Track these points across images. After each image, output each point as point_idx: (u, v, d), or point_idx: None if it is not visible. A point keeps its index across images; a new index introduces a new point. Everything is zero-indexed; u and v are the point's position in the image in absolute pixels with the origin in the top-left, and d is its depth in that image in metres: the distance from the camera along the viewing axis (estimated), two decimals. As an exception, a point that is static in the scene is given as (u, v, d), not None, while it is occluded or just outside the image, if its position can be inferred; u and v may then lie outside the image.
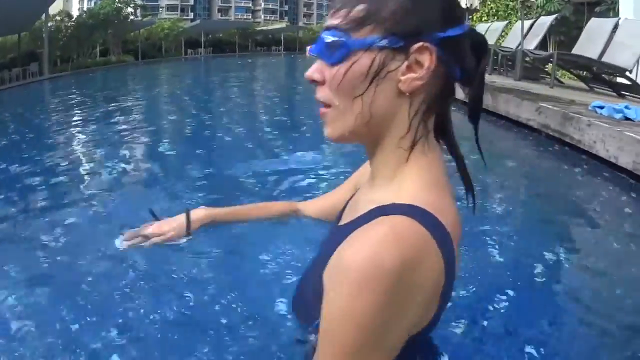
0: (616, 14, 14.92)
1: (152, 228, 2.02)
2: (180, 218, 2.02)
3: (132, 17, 72.09)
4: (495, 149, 7.40)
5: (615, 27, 11.32)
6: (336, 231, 1.33)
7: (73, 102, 18.21)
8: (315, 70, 1.22)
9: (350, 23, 1.14)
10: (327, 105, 1.21)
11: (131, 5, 72.26)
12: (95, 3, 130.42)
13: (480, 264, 3.20)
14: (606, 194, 5.40)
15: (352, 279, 0.96)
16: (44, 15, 44.95)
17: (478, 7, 22.55)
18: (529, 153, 7.48)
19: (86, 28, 58.18)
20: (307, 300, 1.29)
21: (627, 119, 6.56)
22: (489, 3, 27.30)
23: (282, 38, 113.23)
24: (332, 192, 2.08)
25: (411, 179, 1.18)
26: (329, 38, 1.17)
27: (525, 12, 22.46)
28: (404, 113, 1.18)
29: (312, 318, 1.15)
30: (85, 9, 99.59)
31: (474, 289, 2.80)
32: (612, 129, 5.61)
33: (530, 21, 16.10)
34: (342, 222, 1.36)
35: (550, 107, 7.07)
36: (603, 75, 12.16)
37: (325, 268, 1.08)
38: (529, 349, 2.40)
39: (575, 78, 14.12)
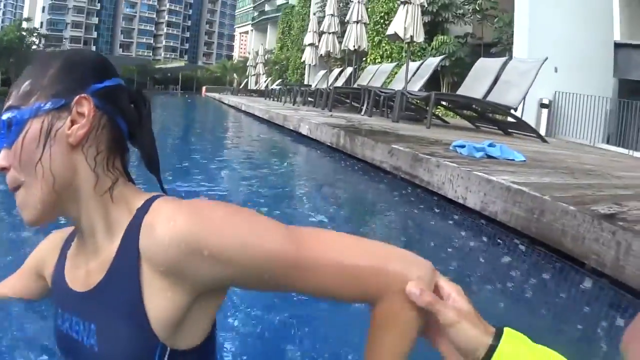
0: (512, 55, 15.77)
1: None
2: None
3: (35, 46, 73.70)
4: (349, 192, 7.54)
5: (504, 66, 11.91)
6: (89, 295, 1.25)
7: None
8: (2, 157, 1.20)
9: (20, 99, 1.19)
10: (17, 189, 1.20)
11: (34, 34, 72.78)
12: (1, 28, 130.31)
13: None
14: (455, 237, 5.19)
15: (188, 240, 1.10)
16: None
17: (366, 49, 22.53)
18: (382, 196, 7.39)
19: (-13, 54, 58.25)
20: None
21: (489, 157, 6.39)
22: (384, 45, 27.53)
23: (179, 77, 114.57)
24: (19, 273, 1.76)
25: (131, 200, 1.25)
26: (4, 118, 1.18)
27: (417, 54, 22.76)
28: (84, 165, 1.21)
29: None
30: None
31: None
32: (460, 168, 5.44)
33: (418, 63, 16.56)
34: (83, 288, 1.27)
35: (401, 149, 6.82)
36: (488, 113, 12.27)
37: (144, 258, 1.15)
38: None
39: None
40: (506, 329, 1.09)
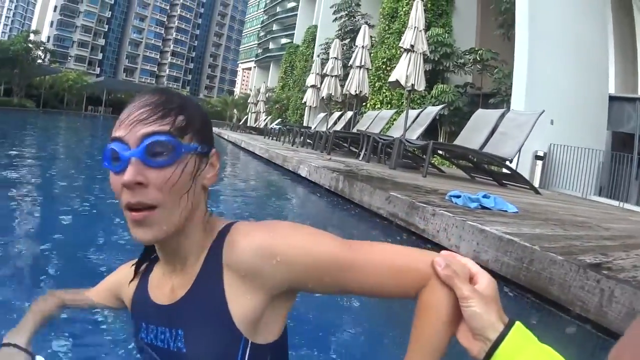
0: (510, 106, 15.94)
1: None
2: (7, 351, 1.76)
3: (40, 60, 72.60)
4: (347, 236, 7.40)
5: (501, 117, 11.90)
6: (175, 307, 1.45)
7: None
8: (137, 173, 1.27)
9: (178, 130, 1.32)
10: (152, 207, 1.30)
11: (41, 48, 72.27)
12: (8, 36, 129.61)
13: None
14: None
15: (266, 245, 1.33)
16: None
17: (367, 95, 22.57)
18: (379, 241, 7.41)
19: (-7, 61, 57.76)
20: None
21: (484, 207, 6.51)
22: (384, 91, 27.54)
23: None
24: (97, 289, 2.03)
25: (216, 227, 1.48)
26: (164, 142, 1.29)
27: (417, 102, 22.75)
28: (203, 202, 1.47)
29: None
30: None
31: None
32: (454, 218, 5.58)
33: (418, 111, 16.48)
34: (169, 302, 1.48)
35: (399, 196, 6.92)
36: (484, 164, 12.33)
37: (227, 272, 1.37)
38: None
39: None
40: (517, 322, 1.17)
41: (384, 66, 28.46)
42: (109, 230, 6.23)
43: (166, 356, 1.47)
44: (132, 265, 1.76)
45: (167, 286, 1.53)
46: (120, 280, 1.84)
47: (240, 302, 1.36)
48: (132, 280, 1.72)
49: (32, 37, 71.76)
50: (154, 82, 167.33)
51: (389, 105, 26.68)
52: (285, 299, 1.44)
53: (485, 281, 1.25)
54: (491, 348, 1.14)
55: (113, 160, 1.32)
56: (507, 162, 10.92)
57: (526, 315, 4.08)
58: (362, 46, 21.91)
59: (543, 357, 1.12)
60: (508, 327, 1.16)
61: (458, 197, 6.90)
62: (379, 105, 27.51)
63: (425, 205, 6.22)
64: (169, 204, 1.31)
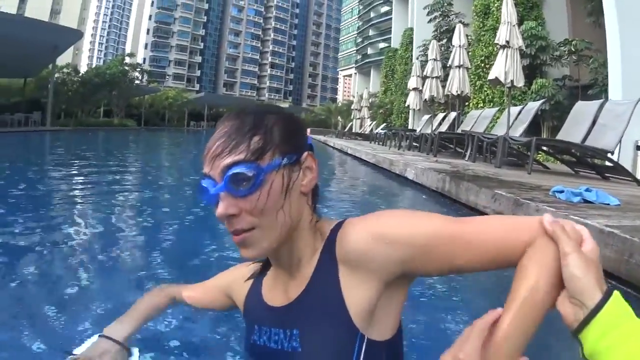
0: (608, 96, 15.04)
1: None
2: (103, 344, 1.97)
3: (137, 81, 73.04)
4: None
5: (600, 109, 11.40)
6: (290, 307, 1.56)
7: (70, 159, 17.69)
8: (228, 206, 1.38)
9: (255, 153, 1.39)
10: (249, 230, 1.41)
11: (138, 70, 73.15)
12: (103, 61, 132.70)
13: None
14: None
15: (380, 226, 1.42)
16: (51, 65, 45.44)
17: (469, 94, 22.40)
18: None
19: (91, 86, 58.96)
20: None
21: (586, 201, 6.35)
22: (485, 89, 27.30)
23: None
24: (205, 285, 2.23)
25: (326, 228, 1.56)
26: (241, 172, 1.37)
27: (517, 98, 22.51)
28: (307, 207, 1.55)
29: None
30: (93, 65, 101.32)
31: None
32: (557, 213, 5.38)
33: (519, 107, 16.14)
34: (283, 303, 1.59)
35: (504, 194, 6.94)
36: (587, 158, 12.06)
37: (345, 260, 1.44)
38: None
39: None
40: (616, 292, 1.13)
41: (482, 64, 28.28)
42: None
43: (280, 357, 1.53)
44: (249, 265, 1.89)
45: (281, 288, 1.62)
46: (235, 278, 1.98)
47: (356, 294, 1.41)
48: (247, 280, 1.85)
49: (127, 59, 73.52)
50: (254, 94, 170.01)
51: (491, 104, 26.37)
52: (398, 289, 1.48)
53: (590, 245, 1.22)
54: (588, 316, 1.11)
55: (205, 194, 1.43)
56: (609, 155, 10.56)
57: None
58: (459, 45, 21.84)
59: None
60: (607, 295, 1.12)
61: (561, 192, 6.81)
62: (481, 104, 27.23)
63: (529, 201, 6.21)
64: (265, 224, 1.41)
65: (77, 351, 1.93)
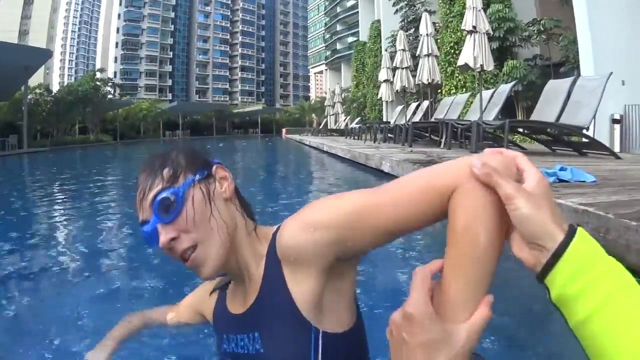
0: (580, 73, 15.25)
1: None
2: None
3: (110, 95, 72.77)
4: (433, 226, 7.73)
5: (572, 85, 11.47)
6: (249, 312, 1.60)
7: (51, 181, 17.74)
8: (166, 233, 1.48)
9: (170, 180, 1.52)
10: (193, 248, 1.50)
11: (109, 84, 73.23)
12: (74, 78, 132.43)
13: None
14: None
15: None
16: (23, 87, 45.31)
17: (440, 81, 22.46)
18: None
19: (65, 104, 58.94)
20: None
21: (562, 180, 6.36)
22: (457, 75, 27.35)
23: (258, 120, 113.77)
24: (180, 305, 2.31)
25: (269, 232, 1.63)
26: (164, 196, 1.49)
27: (490, 81, 22.61)
28: (238, 213, 1.65)
29: None
30: (65, 83, 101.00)
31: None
32: None
33: (491, 91, 16.25)
34: (243, 310, 1.63)
35: None
36: (563, 136, 12.16)
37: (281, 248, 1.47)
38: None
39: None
40: (580, 228, 1.02)
41: (452, 50, 28.27)
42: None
43: None
44: (213, 282, 1.95)
45: (240, 297, 1.69)
46: (202, 295, 2.10)
47: (300, 288, 1.45)
48: (211, 293, 1.94)
49: (98, 75, 73.37)
50: (227, 99, 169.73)
51: (464, 89, 26.49)
52: (342, 277, 1.50)
53: (534, 178, 1.09)
54: (550, 259, 1.00)
55: (148, 238, 1.52)
56: (584, 130, 10.63)
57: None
58: (427, 34, 21.93)
59: (613, 273, 0.97)
60: (570, 234, 1.00)
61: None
62: (454, 90, 27.19)
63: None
64: (203, 237, 1.51)
65: None
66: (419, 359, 1.06)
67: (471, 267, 1.11)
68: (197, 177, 1.56)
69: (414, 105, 25.58)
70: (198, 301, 2.14)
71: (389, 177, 11.07)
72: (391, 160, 11.61)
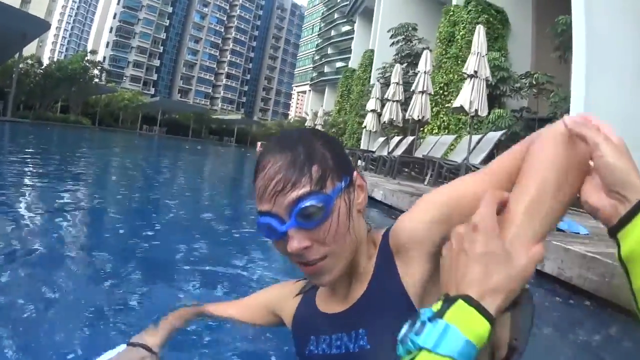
0: None
1: None
2: (133, 352, 1.83)
3: (97, 79, 73.15)
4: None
5: None
6: (353, 310, 1.58)
7: (28, 153, 17.34)
8: (301, 240, 1.39)
9: (318, 183, 1.39)
10: (321, 259, 1.43)
11: (98, 67, 72.79)
12: (65, 56, 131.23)
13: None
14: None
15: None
16: (17, 54, 44.99)
17: (429, 120, 22.48)
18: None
19: (53, 79, 58.54)
20: None
21: (558, 230, 6.20)
22: (442, 116, 27.42)
23: (235, 129, 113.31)
24: (244, 302, 2.24)
25: (379, 235, 1.62)
26: (311, 204, 1.37)
27: (475, 127, 22.69)
28: (364, 222, 1.61)
29: None
30: (55, 59, 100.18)
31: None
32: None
33: (479, 136, 16.70)
34: (344, 308, 1.61)
35: None
36: None
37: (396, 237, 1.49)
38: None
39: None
40: None
41: (441, 91, 28.16)
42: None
43: None
44: (295, 282, 1.97)
45: (339, 297, 1.63)
46: (281, 295, 2.00)
47: (412, 278, 1.43)
48: (296, 295, 1.89)
49: (89, 56, 73.64)
50: (208, 103, 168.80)
51: (447, 130, 26.26)
52: (437, 268, 1.38)
53: (616, 136, 1.11)
54: (631, 210, 1.00)
55: (270, 232, 1.43)
56: None
57: (607, 326, 4.06)
58: (424, 71, 21.89)
59: None
60: None
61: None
62: (436, 130, 27.21)
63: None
64: (336, 250, 1.43)
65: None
66: (476, 270, 1.08)
67: (538, 204, 1.14)
68: (344, 184, 1.46)
69: (397, 138, 25.79)
70: (275, 301, 2.04)
71: (380, 204, 11.27)
72: (384, 188, 11.70)
